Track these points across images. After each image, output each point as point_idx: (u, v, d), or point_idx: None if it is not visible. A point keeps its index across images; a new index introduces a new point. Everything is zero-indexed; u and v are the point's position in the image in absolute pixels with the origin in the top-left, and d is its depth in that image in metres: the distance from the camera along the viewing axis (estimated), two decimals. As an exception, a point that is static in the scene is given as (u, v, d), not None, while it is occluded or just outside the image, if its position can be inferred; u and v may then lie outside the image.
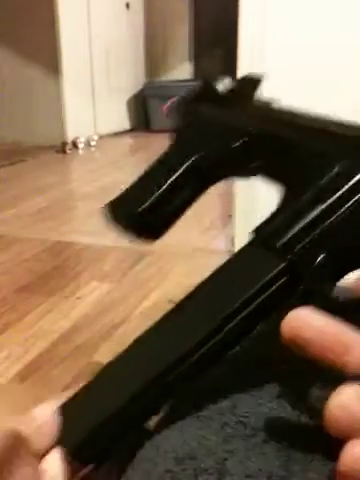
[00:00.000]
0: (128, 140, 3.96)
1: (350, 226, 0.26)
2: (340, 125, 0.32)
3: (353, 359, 0.22)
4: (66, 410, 0.29)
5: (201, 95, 0.42)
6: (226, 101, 0.40)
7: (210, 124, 0.40)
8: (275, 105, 0.38)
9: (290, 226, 0.28)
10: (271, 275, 0.27)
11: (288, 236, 0.27)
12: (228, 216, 1.97)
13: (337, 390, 0.20)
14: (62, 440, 0.28)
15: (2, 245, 1.94)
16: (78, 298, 1.49)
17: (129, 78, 4.10)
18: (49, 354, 1.20)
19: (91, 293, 1.53)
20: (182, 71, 4.72)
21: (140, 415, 0.27)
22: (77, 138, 3.80)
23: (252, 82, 0.41)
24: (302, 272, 0.26)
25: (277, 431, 0.27)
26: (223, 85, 0.40)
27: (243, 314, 0.27)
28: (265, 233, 0.29)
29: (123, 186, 0.39)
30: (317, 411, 0.19)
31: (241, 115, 0.39)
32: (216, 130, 0.38)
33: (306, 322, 0.22)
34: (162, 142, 0.46)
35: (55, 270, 1.71)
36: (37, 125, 3.80)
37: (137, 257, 1.75)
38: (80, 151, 3.80)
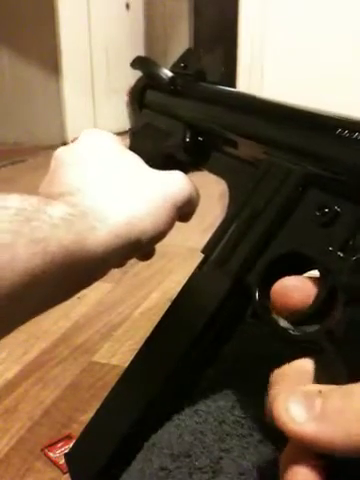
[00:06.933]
0: (128, 140, 3.95)
1: (289, 236, 0.26)
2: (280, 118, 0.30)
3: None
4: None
5: (147, 85, 0.42)
6: (172, 89, 0.39)
7: (156, 122, 0.39)
8: (222, 90, 0.37)
9: (235, 244, 0.27)
10: (222, 296, 0.27)
11: (233, 255, 0.27)
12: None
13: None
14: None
15: (2, 245, 1.94)
16: (78, 298, 1.49)
17: (129, 78, 4.09)
18: (49, 354, 1.21)
19: (91, 293, 1.53)
20: (182, 71, 4.71)
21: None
22: (77, 138, 3.80)
23: (194, 58, 0.40)
24: (250, 289, 0.26)
25: (273, 432, 0.27)
26: (166, 74, 0.39)
27: (202, 343, 0.27)
28: (212, 254, 0.29)
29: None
30: None
31: (185, 107, 0.38)
32: (162, 129, 0.38)
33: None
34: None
35: (55, 270, 1.71)
36: (37, 125, 3.80)
37: (137, 257, 1.75)
38: (80, 151, 3.80)
